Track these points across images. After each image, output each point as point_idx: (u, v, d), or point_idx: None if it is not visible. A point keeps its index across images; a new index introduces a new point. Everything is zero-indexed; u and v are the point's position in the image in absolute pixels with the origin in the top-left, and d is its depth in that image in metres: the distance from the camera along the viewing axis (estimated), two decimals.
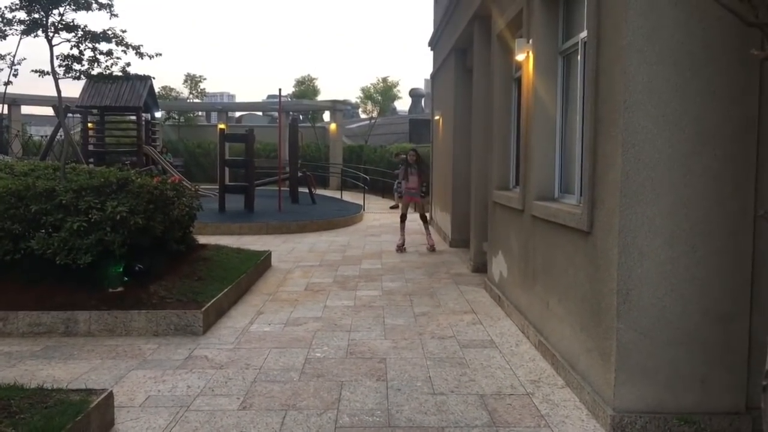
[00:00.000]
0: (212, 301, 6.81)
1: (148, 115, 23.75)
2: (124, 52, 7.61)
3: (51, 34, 7.23)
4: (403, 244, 12.09)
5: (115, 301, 6.61)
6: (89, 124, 22.73)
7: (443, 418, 4.33)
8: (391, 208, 13.18)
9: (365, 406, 4.53)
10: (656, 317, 4.09)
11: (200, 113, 41.32)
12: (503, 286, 7.55)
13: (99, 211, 6.76)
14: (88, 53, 7.50)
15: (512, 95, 7.94)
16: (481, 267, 9.58)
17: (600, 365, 4.36)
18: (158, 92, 33.67)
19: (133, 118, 22.78)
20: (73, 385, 4.90)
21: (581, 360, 4.75)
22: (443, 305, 7.66)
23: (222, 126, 28.11)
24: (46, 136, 25.12)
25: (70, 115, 21.98)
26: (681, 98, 4.03)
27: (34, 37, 7.33)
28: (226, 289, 7.40)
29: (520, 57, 6.59)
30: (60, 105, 7.55)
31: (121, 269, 6.93)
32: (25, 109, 32.47)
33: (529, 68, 6.37)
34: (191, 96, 37.80)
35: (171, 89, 37.68)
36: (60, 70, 7.44)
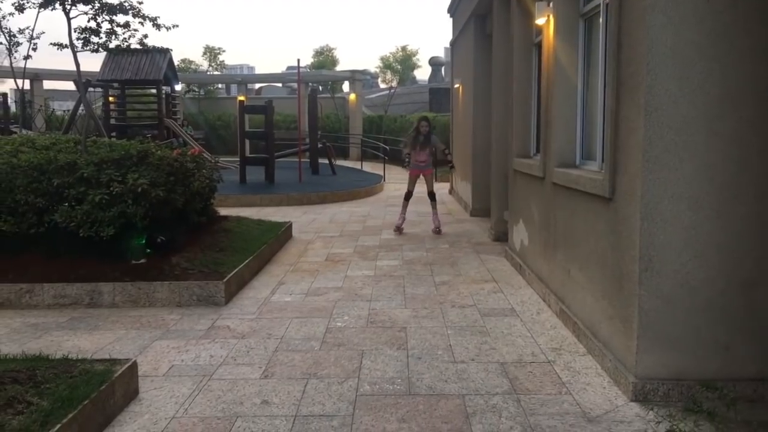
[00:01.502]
0: (234, 272, 6.85)
1: (168, 88, 23.78)
2: (141, 23, 7.59)
3: (68, 7, 7.22)
4: (402, 224, 10.73)
5: (138, 272, 6.67)
6: (110, 98, 22.83)
7: (464, 386, 4.33)
8: (405, 166, 11.33)
9: (386, 375, 4.55)
10: (679, 284, 4.03)
11: (220, 86, 41.32)
12: (524, 254, 7.51)
13: (120, 183, 6.80)
14: (105, 26, 7.50)
15: (532, 61, 7.82)
16: (501, 236, 9.53)
17: (622, 332, 4.33)
18: (178, 65, 33.69)
19: (154, 91, 22.83)
20: (98, 355, 4.97)
21: (603, 327, 4.72)
22: (464, 274, 7.64)
23: (242, 98, 28.12)
24: (69, 111, 25.28)
25: (91, 88, 22.06)
26: (706, 60, 3.92)
27: (52, 9, 7.32)
28: (247, 260, 7.44)
29: (540, 20, 6.46)
30: (79, 78, 7.57)
31: (144, 241, 6.98)
32: (48, 84, 32.66)
33: (549, 32, 6.25)
34: (210, 68, 37.80)
35: (190, 62, 37.72)
36: (78, 43, 7.44)
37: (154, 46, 8.13)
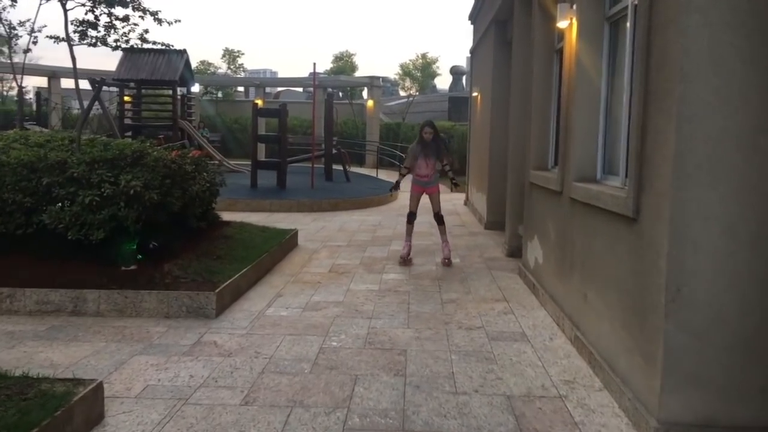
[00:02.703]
0: (227, 283, 6.45)
1: (184, 89, 23.55)
2: (141, 17, 7.22)
3: None
4: (409, 254, 8.81)
5: (126, 279, 6.29)
6: (126, 98, 22.62)
7: (464, 423, 3.88)
8: (392, 190, 10.15)
9: (379, 405, 4.11)
10: (711, 318, 3.57)
11: (240, 89, 41.15)
12: (538, 273, 7.04)
13: (112, 185, 6.45)
14: (104, 19, 7.13)
15: (553, 68, 7.37)
16: (516, 251, 9.06)
17: (643, 369, 3.86)
18: (196, 67, 33.55)
19: (169, 91, 22.59)
20: (70, 370, 4.60)
21: (622, 361, 4.25)
22: (473, 292, 7.18)
23: (259, 101, 27.84)
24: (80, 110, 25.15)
25: (106, 88, 21.86)
26: (747, 65, 3.47)
27: (47, 1, 6.99)
28: (244, 270, 7.04)
29: (562, 24, 6.02)
30: (75, 73, 7.20)
31: (135, 246, 6.62)
32: (67, 83, 32.61)
33: (572, 36, 5.81)
34: (229, 71, 37.63)
35: (209, 64, 37.57)
36: (75, 36, 7.09)
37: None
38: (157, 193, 6.61)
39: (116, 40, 7.23)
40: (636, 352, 3.99)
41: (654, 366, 3.71)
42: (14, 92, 28.40)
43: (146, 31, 7.35)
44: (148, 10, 7.17)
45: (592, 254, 5.03)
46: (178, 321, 5.90)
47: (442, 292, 7.15)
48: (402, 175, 9.13)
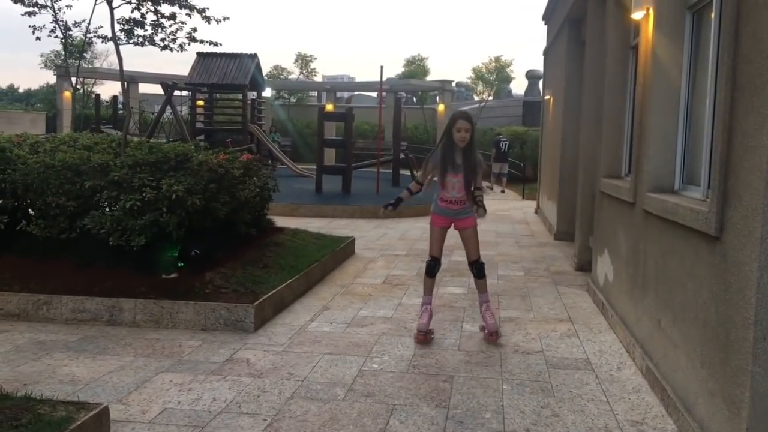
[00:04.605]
0: (269, 294, 6.09)
1: (254, 93, 23.65)
2: (189, 15, 6.96)
3: None
4: (428, 322, 5.59)
5: (165, 289, 6.01)
6: (199, 102, 22.86)
7: None
8: (387, 207, 6.14)
9: None
10: None
11: (314, 93, 41.34)
12: (608, 291, 6.40)
13: (153, 189, 6.19)
14: (150, 17, 6.91)
15: (628, 66, 6.71)
16: (585, 265, 8.39)
17: (726, 417, 3.25)
18: (269, 72, 33.78)
19: (239, 96, 22.70)
20: (91, 387, 4.32)
21: (700, 403, 3.63)
22: (535, 310, 6.60)
23: (329, 106, 27.76)
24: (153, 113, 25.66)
25: (177, 92, 22.18)
26: None
27: (102, 1, 6.79)
28: (290, 280, 6.67)
29: (637, 15, 5.40)
30: (121, 74, 7.01)
31: (176, 254, 6.34)
32: (145, 88, 33.42)
33: (648, 29, 5.18)
34: (302, 75, 37.80)
35: (282, 69, 37.84)
36: (121, 35, 6.89)
37: (204, 41, 7.40)
38: (200, 198, 6.32)
39: (163, 39, 7.01)
40: (718, 395, 3.37)
41: (738, 414, 3.10)
42: (93, 96, 29.14)
43: (194, 30, 7.12)
44: (195, 8, 6.92)
45: (668, 275, 4.40)
46: (214, 334, 5.57)
47: (500, 308, 6.60)
48: (411, 192, 5.96)
